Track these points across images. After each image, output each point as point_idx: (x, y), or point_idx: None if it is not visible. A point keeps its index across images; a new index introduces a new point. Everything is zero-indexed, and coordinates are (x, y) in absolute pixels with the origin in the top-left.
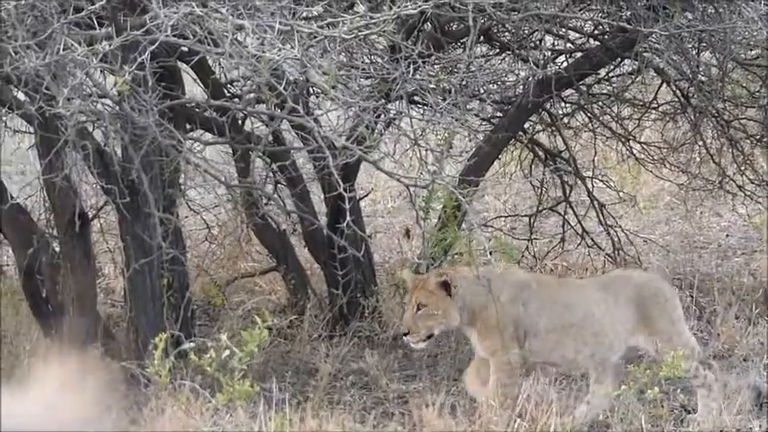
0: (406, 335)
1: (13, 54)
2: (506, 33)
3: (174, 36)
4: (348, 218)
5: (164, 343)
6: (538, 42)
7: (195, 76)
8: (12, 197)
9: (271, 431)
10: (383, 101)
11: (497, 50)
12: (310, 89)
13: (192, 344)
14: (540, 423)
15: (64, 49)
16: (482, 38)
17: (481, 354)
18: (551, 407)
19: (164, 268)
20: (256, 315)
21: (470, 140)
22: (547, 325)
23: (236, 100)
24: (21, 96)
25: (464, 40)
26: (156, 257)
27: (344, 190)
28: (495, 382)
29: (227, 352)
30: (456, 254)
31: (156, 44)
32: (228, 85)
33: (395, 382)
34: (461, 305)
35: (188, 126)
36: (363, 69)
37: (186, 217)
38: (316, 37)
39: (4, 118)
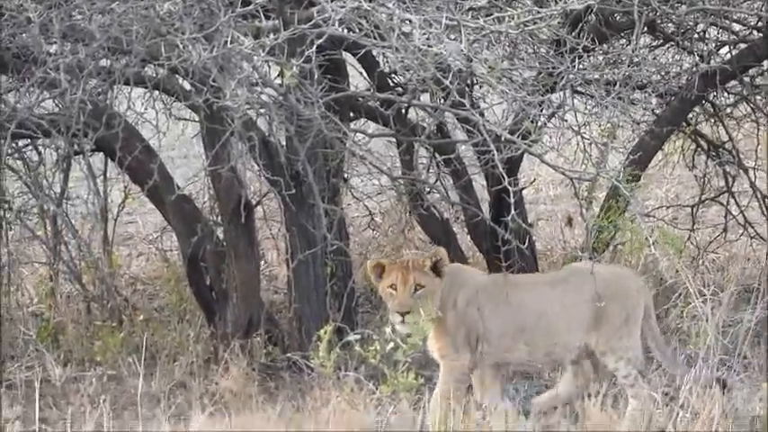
0: (406, 314)
1: (180, 47)
2: (670, 24)
3: (341, 29)
4: (512, 211)
5: (329, 334)
6: (702, 34)
7: (360, 67)
8: (178, 187)
9: (435, 424)
10: (547, 94)
11: (661, 41)
12: (475, 80)
13: (358, 336)
14: (702, 415)
15: (231, 42)
16: (646, 29)
17: (431, 354)
18: (713, 399)
19: (327, 257)
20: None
21: (633, 131)
22: (500, 328)
23: (400, 89)
24: (186, 86)
25: (627, 31)
26: (320, 248)
27: (509, 183)
28: (444, 386)
29: (392, 344)
30: (618, 244)
31: (324, 38)
32: (392, 75)
33: (557, 370)
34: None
35: (352, 115)
36: (527, 61)
37: (349, 204)
38: (481, 30)
39: (169, 107)
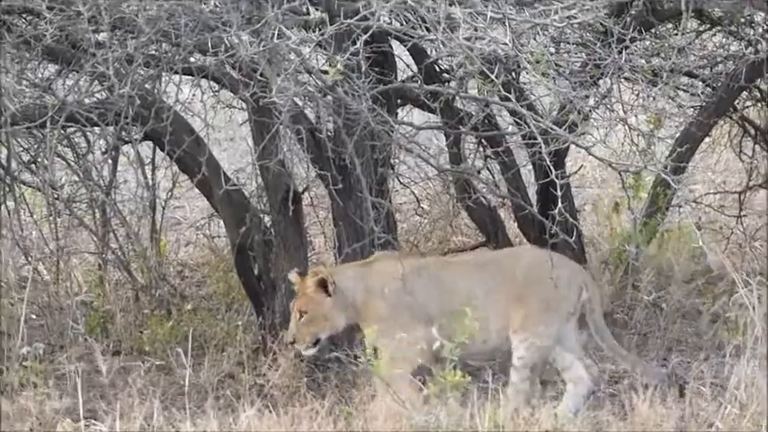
0: (292, 343)
1: (227, 43)
2: (717, 9)
3: (388, 20)
4: (559, 204)
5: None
6: (748, 18)
7: (407, 55)
8: (226, 179)
9: (484, 420)
10: (594, 86)
11: (708, 26)
12: (520, 65)
13: (404, 334)
14: (750, 409)
15: (278, 37)
16: (692, 14)
17: (376, 344)
18: (761, 392)
19: (375, 248)
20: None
21: (679, 117)
22: (437, 311)
23: (447, 75)
24: (234, 74)
25: (673, 19)
26: (368, 240)
27: (556, 176)
28: (391, 368)
29: (438, 343)
30: (666, 231)
31: (370, 32)
32: (439, 60)
33: (604, 361)
34: (344, 303)
35: (399, 101)
36: (573, 51)
37: (396, 191)
38: (527, 23)
39: (217, 92)
